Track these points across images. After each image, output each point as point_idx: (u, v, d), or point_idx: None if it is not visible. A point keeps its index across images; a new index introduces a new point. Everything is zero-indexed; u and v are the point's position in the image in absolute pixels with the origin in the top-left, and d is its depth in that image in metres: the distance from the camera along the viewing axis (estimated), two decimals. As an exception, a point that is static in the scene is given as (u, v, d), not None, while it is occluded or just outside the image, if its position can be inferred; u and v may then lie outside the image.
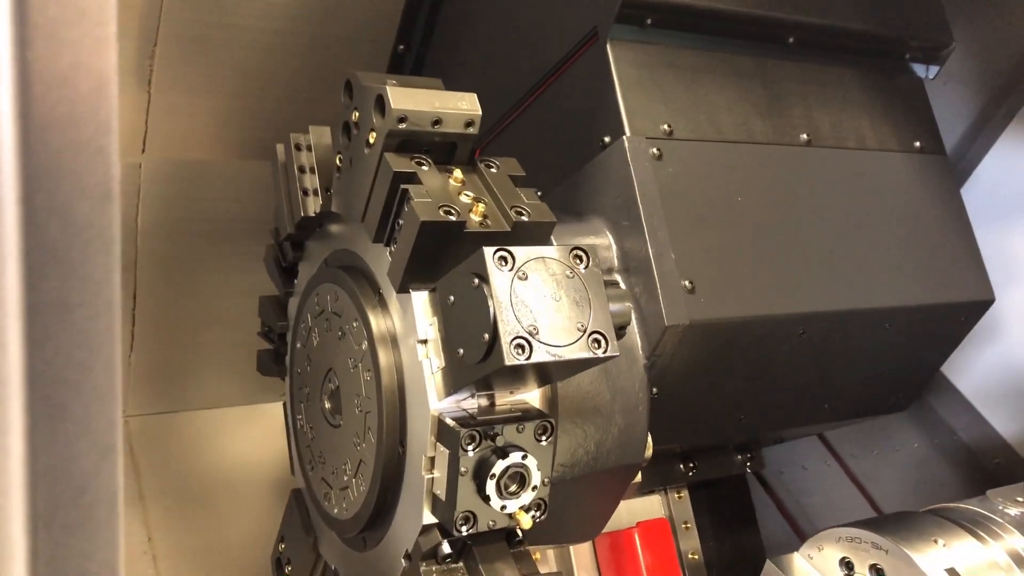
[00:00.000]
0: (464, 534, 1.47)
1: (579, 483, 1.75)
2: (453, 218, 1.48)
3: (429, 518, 1.53)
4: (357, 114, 1.63)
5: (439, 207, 1.48)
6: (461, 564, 1.57)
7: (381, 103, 1.55)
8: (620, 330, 1.55)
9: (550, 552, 2.33)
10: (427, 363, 1.52)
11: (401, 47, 2.53)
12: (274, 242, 2.06)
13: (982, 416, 2.64)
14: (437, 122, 1.56)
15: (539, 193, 1.62)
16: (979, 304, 2.18)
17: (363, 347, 1.65)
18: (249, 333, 2.22)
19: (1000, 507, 1.93)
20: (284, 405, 2.11)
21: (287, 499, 2.12)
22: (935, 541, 1.82)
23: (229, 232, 2.54)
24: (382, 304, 1.65)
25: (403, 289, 1.55)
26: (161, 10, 2.14)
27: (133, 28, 2.14)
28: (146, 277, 2.51)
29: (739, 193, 1.92)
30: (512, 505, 1.47)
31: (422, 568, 1.55)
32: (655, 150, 1.83)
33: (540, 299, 1.38)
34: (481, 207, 1.52)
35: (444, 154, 1.62)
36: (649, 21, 1.89)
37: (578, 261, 1.43)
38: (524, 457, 1.45)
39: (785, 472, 3.08)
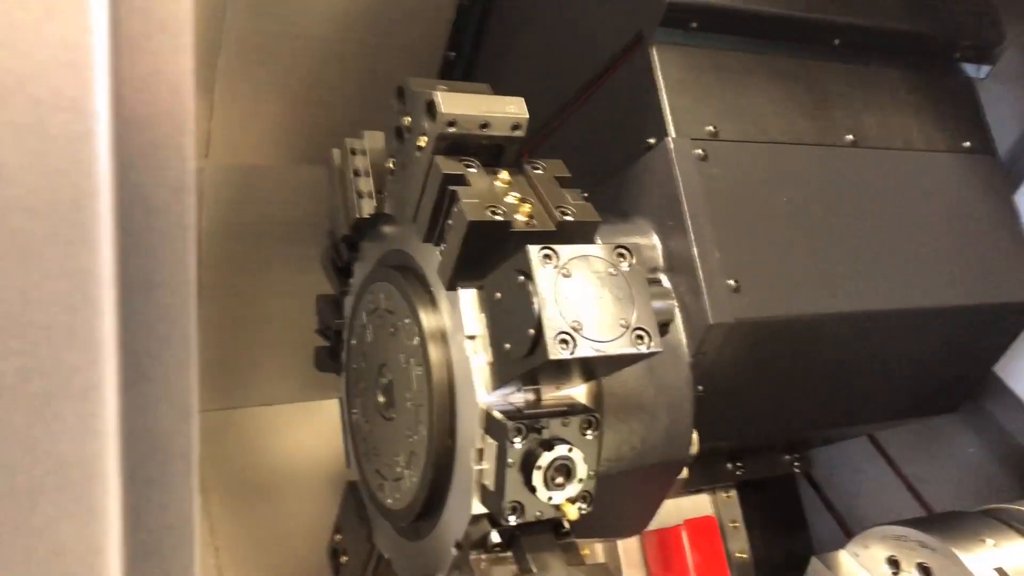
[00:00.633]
0: (512, 524, 1.52)
1: (625, 478, 1.78)
2: (500, 218, 1.53)
3: (478, 508, 1.58)
4: (408, 119, 1.69)
5: (486, 207, 1.53)
6: (509, 553, 1.61)
7: (431, 107, 1.60)
8: (663, 327, 1.59)
9: (599, 547, 2.36)
10: (475, 358, 1.57)
11: (452, 54, 2.59)
12: (330, 243, 2.13)
13: (1039, 420, 2.60)
14: (485, 125, 1.61)
15: (585, 194, 1.67)
16: (1028, 305, 2.17)
17: (415, 343, 1.70)
18: (306, 331, 2.30)
19: (1054, 509, 1.92)
20: (340, 400, 2.18)
21: (342, 492, 2.20)
22: (984, 540, 1.81)
23: (287, 234, 2.63)
24: (432, 301, 1.71)
25: (452, 287, 1.60)
26: (224, 20, 2.24)
27: (197, 38, 2.24)
28: (209, 278, 2.61)
29: (784, 193, 1.94)
30: (558, 497, 1.51)
31: (472, 557, 1.60)
32: (700, 151, 1.86)
33: (584, 295, 1.42)
34: (527, 207, 1.57)
35: (492, 156, 1.67)
36: (694, 24, 1.92)
37: (621, 259, 1.47)
38: (569, 450, 1.50)
39: (836, 475, 3.06)
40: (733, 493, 2.60)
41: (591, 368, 1.53)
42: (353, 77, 2.50)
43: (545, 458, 1.48)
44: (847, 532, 3.00)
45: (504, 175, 1.62)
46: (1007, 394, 2.68)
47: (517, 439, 1.48)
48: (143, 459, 0.64)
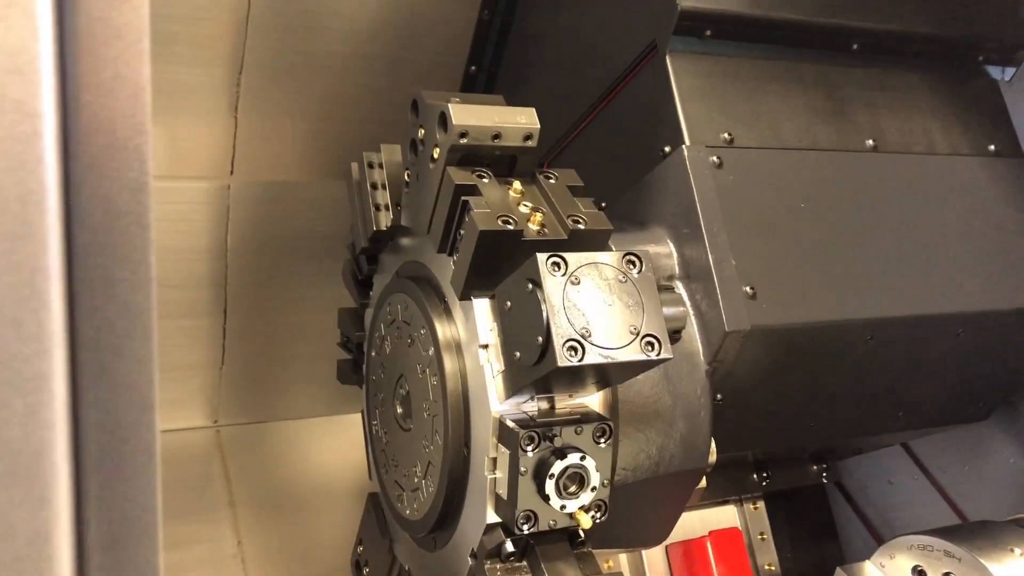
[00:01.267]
0: (526, 533, 1.52)
1: (643, 487, 1.77)
2: (511, 227, 1.53)
3: (493, 517, 1.59)
4: (423, 131, 1.71)
5: (498, 217, 1.54)
6: (524, 563, 1.61)
7: (444, 119, 1.62)
8: (675, 334, 1.58)
9: (623, 558, 2.35)
10: (488, 367, 1.58)
11: (473, 68, 2.62)
12: (351, 256, 2.16)
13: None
14: (497, 136, 1.63)
15: (604, 204, 1.67)
16: (1059, 311, 2.12)
17: (430, 353, 1.72)
18: (331, 345, 2.32)
19: (1087, 519, 1.87)
20: (362, 412, 2.20)
21: (364, 503, 2.21)
22: (1013, 551, 1.78)
23: (312, 248, 2.66)
24: (447, 312, 1.72)
25: (465, 296, 1.61)
26: (246, 40, 2.28)
27: (221, 57, 2.29)
28: (235, 293, 2.65)
29: (803, 199, 1.92)
30: (572, 505, 1.51)
31: (487, 566, 1.60)
32: (715, 158, 1.85)
33: (593, 303, 1.42)
34: (539, 216, 1.58)
35: (504, 167, 1.68)
36: (708, 32, 1.92)
37: (631, 266, 1.47)
38: (582, 458, 1.50)
39: (870, 485, 3.01)
40: (761, 504, 2.58)
41: (603, 375, 1.53)
42: (377, 92, 2.54)
43: (558, 466, 1.48)
44: (880, 543, 2.95)
45: (517, 185, 1.63)
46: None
47: (529, 447, 1.49)
48: (104, 451, 0.66)
